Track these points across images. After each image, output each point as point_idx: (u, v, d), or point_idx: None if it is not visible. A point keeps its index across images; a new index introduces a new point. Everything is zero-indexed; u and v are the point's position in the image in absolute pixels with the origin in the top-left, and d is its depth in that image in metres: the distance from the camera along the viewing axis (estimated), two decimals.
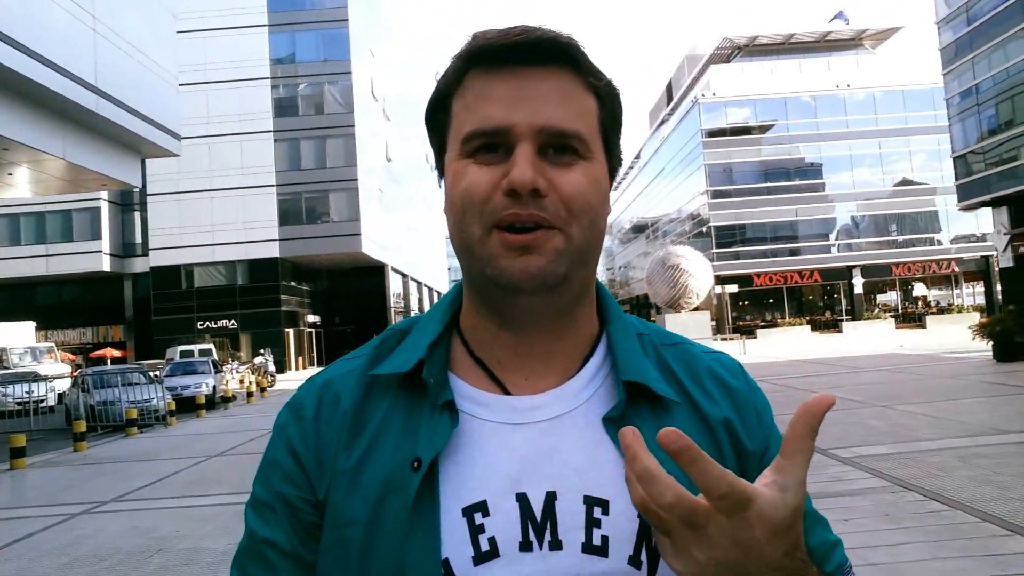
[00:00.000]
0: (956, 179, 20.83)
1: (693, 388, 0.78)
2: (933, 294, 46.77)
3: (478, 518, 0.69)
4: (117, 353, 37.36)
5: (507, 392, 0.75)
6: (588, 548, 0.69)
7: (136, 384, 16.96)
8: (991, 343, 16.79)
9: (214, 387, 21.03)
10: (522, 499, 0.70)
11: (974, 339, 17.41)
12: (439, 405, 0.72)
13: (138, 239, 42.41)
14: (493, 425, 0.73)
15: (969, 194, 19.88)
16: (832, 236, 45.19)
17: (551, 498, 0.70)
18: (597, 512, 0.70)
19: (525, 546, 0.69)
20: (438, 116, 0.76)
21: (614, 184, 0.79)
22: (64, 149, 13.55)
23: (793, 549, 0.57)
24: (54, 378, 24.03)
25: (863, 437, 8.51)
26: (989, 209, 19.28)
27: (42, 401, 20.12)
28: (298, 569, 0.74)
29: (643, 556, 0.69)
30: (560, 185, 0.69)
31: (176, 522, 6.77)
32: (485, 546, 0.68)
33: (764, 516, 0.55)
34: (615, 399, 0.75)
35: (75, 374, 19.42)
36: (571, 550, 0.69)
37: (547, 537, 0.69)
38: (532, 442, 0.72)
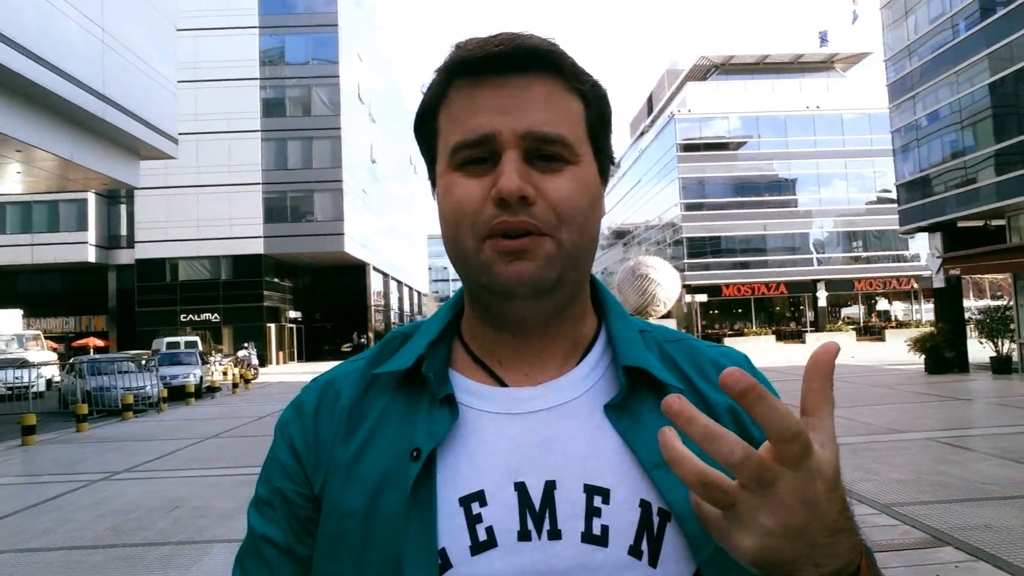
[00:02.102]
0: (899, 205, 22.50)
1: (697, 378, 0.78)
2: (898, 308, 48.59)
3: (475, 507, 0.68)
4: (100, 343, 37.94)
5: (505, 386, 0.75)
6: (588, 538, 0.67)
7: (128, 372, 17.98)
8: (923, 356, 18.35)
9: (201, 377, 22.07)
10: (520, 488, 0.69)
11: (908, 352, 18.93)
12: (439, 399, 0.73)
13: (124, 231, 43.11)
14: (490, 415, 0.73)
15: (908, 220, 21.56)
16: (799, 251, 46.86)
17: (550, 487, 0.69)
18: (597, 501, 0.68)
19: (523, 536, 0.67)
20: (426, 128, 0.76)
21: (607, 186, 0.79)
22: (72, 152, 14.54)
23: (844, 508, 0.55)
24: (41, 365, 24.84)
25: None
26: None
27: (31, 387, 20.99)
28: (292, 564, 0.74)
29: (643, 546, 0.67)
30: (547, 191, 0.69)
31: (185, 487, 7.93)
32: (483, 536, 0.67)
33: (820, 468, 0.53)
34: (616, 389, 0.74)
35: (70, 361, 20.33)
36: (570, 540, 0.67)
37: (546, 527, 0.67)
38: (531, 431, 0.71)
